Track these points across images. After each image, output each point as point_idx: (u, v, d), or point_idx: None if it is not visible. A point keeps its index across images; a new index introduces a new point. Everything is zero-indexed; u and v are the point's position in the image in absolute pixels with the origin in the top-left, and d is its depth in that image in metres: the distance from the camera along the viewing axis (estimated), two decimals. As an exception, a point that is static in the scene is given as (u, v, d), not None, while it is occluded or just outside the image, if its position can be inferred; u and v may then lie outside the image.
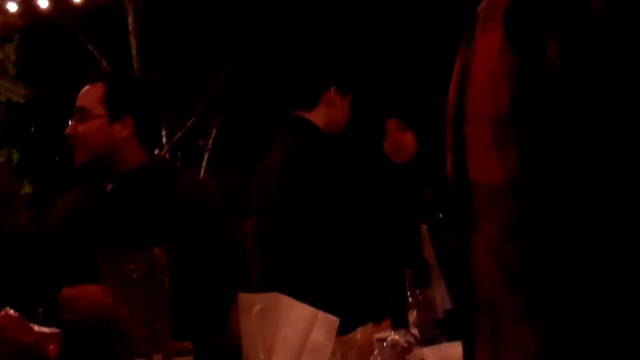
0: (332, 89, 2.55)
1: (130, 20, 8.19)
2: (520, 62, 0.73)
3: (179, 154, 9.51)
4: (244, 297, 1.88)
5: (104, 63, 8.18)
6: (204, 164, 9.70)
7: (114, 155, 2.07)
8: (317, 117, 2.60)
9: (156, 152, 8.87)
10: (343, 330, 2.06)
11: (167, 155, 9.07)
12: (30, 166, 7.46)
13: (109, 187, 2.06)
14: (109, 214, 2.00)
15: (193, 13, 8.18)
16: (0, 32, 6.71)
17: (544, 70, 0.71)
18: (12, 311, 1.42)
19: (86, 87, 2.12)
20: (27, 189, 6.90)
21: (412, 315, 2.16)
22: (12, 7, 6.30)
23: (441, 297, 2.49)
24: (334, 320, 1.78)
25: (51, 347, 1.40)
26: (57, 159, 8.12)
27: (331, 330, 1.77)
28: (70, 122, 2.08)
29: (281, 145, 2.60)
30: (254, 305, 1.81)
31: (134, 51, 8.25)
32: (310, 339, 1.74)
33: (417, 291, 2.22)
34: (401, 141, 2.80)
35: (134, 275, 1.64)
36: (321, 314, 1.78)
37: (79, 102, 2.09)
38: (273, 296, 1.84)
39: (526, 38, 0.73)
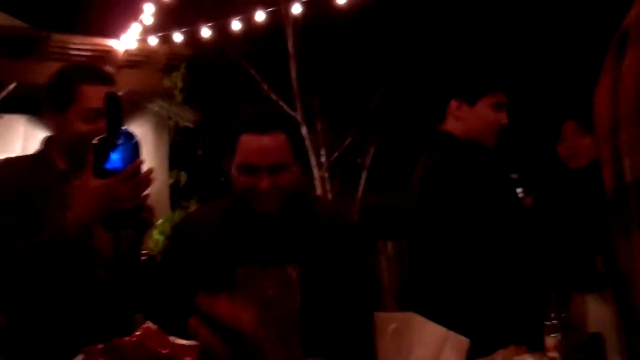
0: (452, 101, 2.55)
1: (289, 44, 8.45)
2: None
3: (337, 172, 9.66)
4: (380, 316, 1.90)
5: (265, 86, 8.49)
6: (362, 182, 9.79)
7: None
8: (454, 128, 2.60)
9: (316, 171, 8.98)
10: (486, 352, 2.03)
11: (327, 174, 9.25)
12: (197, 187, 7.86)
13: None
14: (269, 237, 2.08)
15: (350, 34, 8.32)
16: (168, 61, 7.16)
17: None
18: (151, 324, 1.51)
19: (271, 139, 2.09)
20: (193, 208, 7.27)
21: (556, 338, 2.09)
22: (178, 38, 6.72)
23: (594, 318, 2.39)
24: (464, 341, 1.76)
25: (188, 359, 1.48)
26: (222, 180, 8.51)
27: (461, 351, 1.75)
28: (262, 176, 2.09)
29: (422, 160, 2.61)
30: (389, 324, 1.83)
31: (293, 74, 8.50)
32: (441, 358, 1.73)
33: (563, 314, 2.14)
34: (579, 145, 2.72)
35: (269, 292, 1.71)
36: (452, 335, 1.77)
37: (276, 158, 2.08)
38: (407, 315, 1.86)
39: None
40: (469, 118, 2.58)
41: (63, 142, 2.14)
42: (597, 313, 2.16)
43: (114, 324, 2.05)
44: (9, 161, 2.22)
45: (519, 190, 3.01)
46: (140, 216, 1.75)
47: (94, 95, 2.07)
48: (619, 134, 0.83)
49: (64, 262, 1.91)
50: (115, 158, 1.64)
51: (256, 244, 2.02)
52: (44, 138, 2.24)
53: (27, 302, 2.02)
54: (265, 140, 1.98)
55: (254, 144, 2.00)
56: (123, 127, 1.59)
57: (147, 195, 1.73)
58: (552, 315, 2.11)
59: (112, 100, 1.63)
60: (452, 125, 2.59)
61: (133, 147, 1.65)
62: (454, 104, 2.59)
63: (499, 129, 2.58)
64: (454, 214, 2.42)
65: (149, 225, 1.84)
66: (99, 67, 2.28)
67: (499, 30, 8.06)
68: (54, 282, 1.96)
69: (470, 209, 2.41)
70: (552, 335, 2.08)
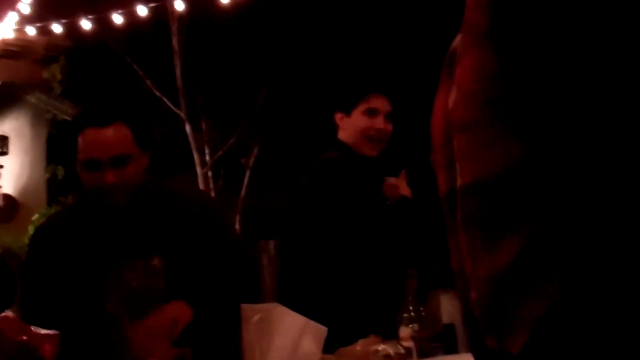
0: (336, 114, 2.69)
1: (174, 40, 8.37)
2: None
3: (221, 172, 9.64)
4: (246, 307, 1.96)
5: (149, 83, 8.39)
6: (245, 182, 9.82)
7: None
8: (342, 137, 2.71)
9: (199, 170, 8.89)
10: (348, 342, 2.13)
11: (210, 173, 9.21)
12: (75, 182, 7.67)
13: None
14: (122, 234, 2.09)
15: (235, 34, 8.33)
16: (47, 52, 6.97)
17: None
18: (10, 313, 1.52)
19: (111, 131, 2.06)
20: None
21: (412, 329, 2.21)
22: (57, 29, 6.55)
23: (446, 310, 2.53)
24: (323, 330, 1.85)
25: (47, 346, 1.50)
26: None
27: (319, 339, 1.84)
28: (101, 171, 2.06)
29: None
30: (254, 314, 1.90)
31: (178, 71, 8.43)
32: (300, 347, 1.81)
33: (420, 306, 2.26)
34: None
35: (134, 282, 1.74)
36: (312, 323, 1.85)
37: (118, 150, 2.05)
38: (271, 306, 1.92)
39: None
40: (348, 127, 2.69)
41: None
42: (449, 307, 2.30)
43: None
44: None
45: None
46: None
47: None
48: (452, 143, 0.91)
49: None
50: None
51: (117, 239, 2.04)
52: None
53: None
54: (105, 133, 1.98)
55: (93, 138, 1.99)
56: None
57: None
58: (410, 307, 2.24)
59: None
60: (341, 134, 2.71)
61: None
62: (337, 115, 2.71)
63: (374, 135, 2.68)
64: (321, 213, 2.53)
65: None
66: None
67: (374, 34, 8.27)
68: None
69: (335, 209, 2.52)
70: (409, 326, 2.20)
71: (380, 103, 2.70)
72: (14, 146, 8.06)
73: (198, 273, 2.04)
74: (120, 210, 2.05)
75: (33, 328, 1.51)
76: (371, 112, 2.68)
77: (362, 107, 2.69)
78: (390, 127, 2.72)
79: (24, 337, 1.47)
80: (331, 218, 2.52)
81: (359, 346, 2.08)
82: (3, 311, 1.67)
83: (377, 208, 2.57)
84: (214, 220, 2.18)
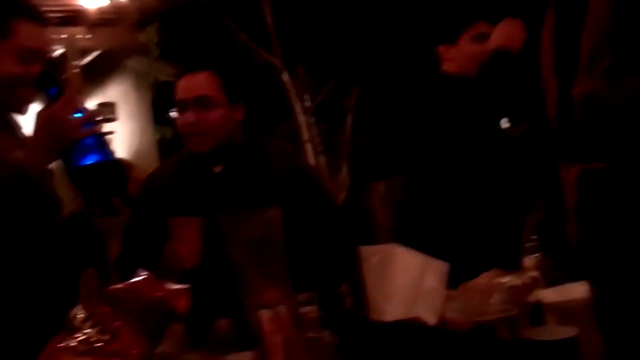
0: (439, 47, 2.62)
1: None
2: None
3: (323, 117, 9.64)
4: (364, 249, 1.96)
5: (243, 35, 8.42)
6: (348, 124, 9.79)
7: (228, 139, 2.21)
8: (447, 69, 2.65)
9: (300, 117, 8.94)
10: (471, 276, 2.11)
11: (313, 119, 9.24)
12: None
13: (217, 169, 2.20)
14: (221, 194, 2.15)
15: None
16: (141, 16, 7.09)
17: None
18: (144, 271, 1.58)
19: (198, 76, 2.18)
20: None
21: (536, 258, 2.17)
22: (148, -8, 6.66)
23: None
24: (444, 266, 1.83)
25: (181, 300, 1.55)
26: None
27: (442, 276, 1.83)
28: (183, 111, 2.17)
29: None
30: (373, 255, 1.90)
31: (269, 20, 8.41)
32: (422, 285, 1.80)
33: (544, 235, 2.22)
34: None
35: (254, 234, 1.77)
36: (432, 260, 1.84)
37: (200, 91, 2.16)
38: (390, 247, 1.92)
39: None
40: (455, 57, 2.63)
41: None
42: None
43: (63, 279, 1.98)
44: None
45: (504, 120, 3.05)
46: (110, 165, 1.75)
47: (33, 34, 1.88)
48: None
49: (23, 207, 1.76)
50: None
51: (212, 191, 2.11)
52: None
53: None
54: (193, 77, 2.11)
55: (183, 82, 2.13)
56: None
57: (99, 127, 1.73)
58: (532, 237, 2.19)
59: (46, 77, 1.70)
60: (446, 66, 2.66)
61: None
62: (440, 47, 2.66)
63: (484, 58, 2.61)
64: (443, 145, 2.49)
65: (123, 177, 1.80)
66: (37, 6, 1.98)
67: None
68: (13, 232, 1.79)
69: (454, 140, 2.48)
70: (532, 255, 2.15)
71: (486, 28, 2.63)
72: (121, 111, 8.29)
73: (302, 224, 2.08)
74: (207, 158, 2.13)
75: (166, 283, 1.56)
76: (480, 37, 2.61)
77: (469, 33, 2.62)
78: None
79: (160, 293, 1.53)
80: (453, 150, 2.48)
81: (482, 279, 2.05)
82: (94, 269, 1.74)
83: (498, 136, 2.51)
84: (307, 177, 2.24)
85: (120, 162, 1.82)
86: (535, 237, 2.19)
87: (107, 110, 7.89)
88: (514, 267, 2.08)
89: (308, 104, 9.19)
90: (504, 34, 2.50)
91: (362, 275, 1.90)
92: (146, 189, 2.29)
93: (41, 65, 1.87)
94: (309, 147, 8.29)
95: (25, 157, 1.77)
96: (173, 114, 2.20)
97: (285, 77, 8.47)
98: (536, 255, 2.16)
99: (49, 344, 1.49)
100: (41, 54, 1.90)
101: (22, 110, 1.93)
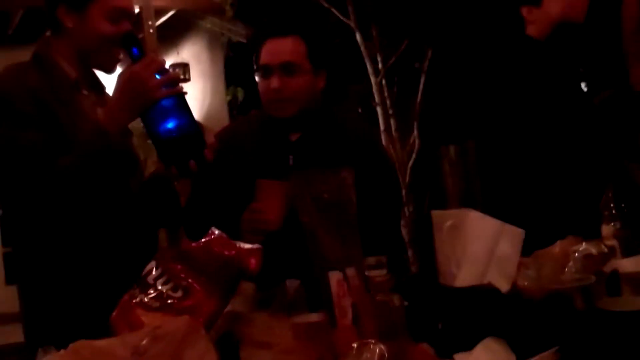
0: (522, 8, 2.53)
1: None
2: None
3: (395, 79, 9.53)
4: (437, 214, 1.94)
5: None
6: (421, 87, 9.67)
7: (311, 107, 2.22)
8: (533, 30, 2.58)
9: (373, 79, 8.89)
10: (546, 244, 2.06)
11: (384, 81, 9.15)
12: (254, 102, 7.90)
13: (294, 136, 2.21)
14: (295, 162, 2.16)
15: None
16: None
17: None
18: (216, 230, 1.59)
19: (285, 41, 2.18)
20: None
21: (614, 227, 2.11)
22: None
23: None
24: (519, 232, 1.79)
25: (252, 260, 1.57)
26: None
27: (517, 242, 1.79)
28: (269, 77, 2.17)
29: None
30: (445, 220, 1.88)
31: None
32: (496, 251, 1.77)
33: (622, 204, 2.15)
34: None
35: (325, 195, 1.77)
36: (507, 226, 1.80)
37: (286, 57, 2.16)
38: (463, 212, 1.89)
39: None
40: (539, 19, 2.55)
41: (76, 46, 1.98)
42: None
43: (140, 237, 2.03)
44: (13, 67, 1.98)
45: (582, 84, 2.97)
46: (189, 129, 1.77)
47: None
48: None
49: (108, 172, 1.82)
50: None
51: (284, 154, 2.12)
52: (43, 39, 2.04)
53: (70, 219, 1.90)
54: (280, 42, 2.09)
55: (269, 46, 2.12)
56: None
57: (179, 88, 1.76)
58: (611, 205, 2.12)
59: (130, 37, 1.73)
60: (530, 29, 2.57)
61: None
62: (524, 9, 2.55)
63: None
64: (519, 110, 2.44)
65: (200, 141, 1.82)
66: None
67: None
68: (97, 196, 1.86)
69: (533, 103, 2.41)
70: (610, 224, 2.09)
71: None
72: (194, 72, 8.37)
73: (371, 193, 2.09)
74: (287, 124, 2.14)
75: (237, 243, 1.58)
76: None
77: None
78: None
79: (232, 252, 1.55)
80: (534, 114, 2.41)
81: (557, 247, 2.00)
82: (169, 229, 1.77)
83: (580, 101, 2.43)
84: (381, 159, 2.26)
85: (198, 126, 1.85)
86: (614, 205, 2.13)
87: (181, 71, 7.98)
88: (591, 235, 2.02)
89: (380, 66, 9.08)
90: (566, 3, 2.42)
91: (433, 239, 1.88)
92: (222, 142, 2.29)
93: (129, 24, 1.92)
94: (379, 110, 8.21)
95: (106, 116, 1.83)
96: (256, 77, 2.20)
97: (358, 37, 8.38)
98: (614, 224, 2.09)
99: (122, 299, 1.53)
100: (129, 13, 1.97)
101: (112, 69, 2.01)
